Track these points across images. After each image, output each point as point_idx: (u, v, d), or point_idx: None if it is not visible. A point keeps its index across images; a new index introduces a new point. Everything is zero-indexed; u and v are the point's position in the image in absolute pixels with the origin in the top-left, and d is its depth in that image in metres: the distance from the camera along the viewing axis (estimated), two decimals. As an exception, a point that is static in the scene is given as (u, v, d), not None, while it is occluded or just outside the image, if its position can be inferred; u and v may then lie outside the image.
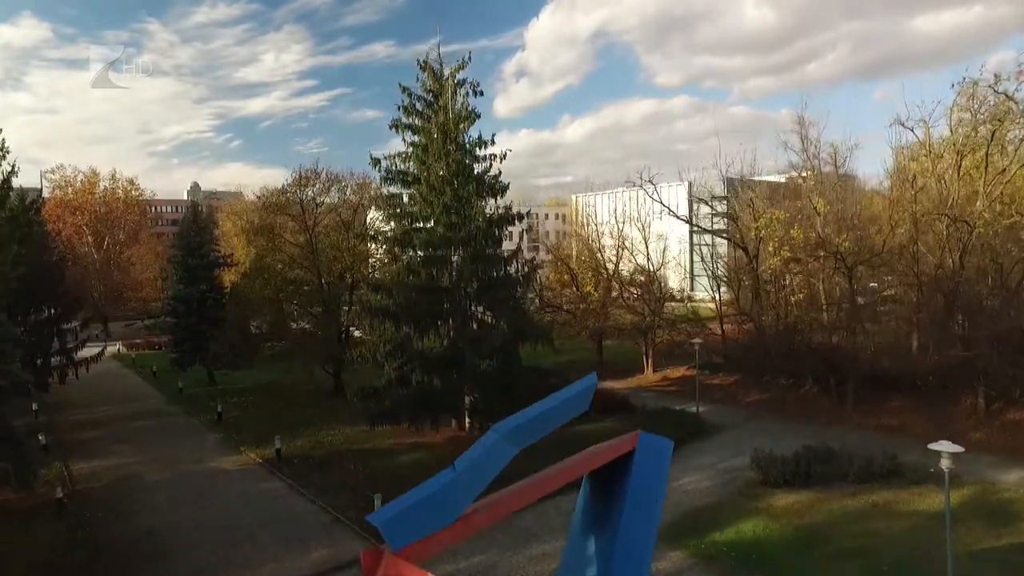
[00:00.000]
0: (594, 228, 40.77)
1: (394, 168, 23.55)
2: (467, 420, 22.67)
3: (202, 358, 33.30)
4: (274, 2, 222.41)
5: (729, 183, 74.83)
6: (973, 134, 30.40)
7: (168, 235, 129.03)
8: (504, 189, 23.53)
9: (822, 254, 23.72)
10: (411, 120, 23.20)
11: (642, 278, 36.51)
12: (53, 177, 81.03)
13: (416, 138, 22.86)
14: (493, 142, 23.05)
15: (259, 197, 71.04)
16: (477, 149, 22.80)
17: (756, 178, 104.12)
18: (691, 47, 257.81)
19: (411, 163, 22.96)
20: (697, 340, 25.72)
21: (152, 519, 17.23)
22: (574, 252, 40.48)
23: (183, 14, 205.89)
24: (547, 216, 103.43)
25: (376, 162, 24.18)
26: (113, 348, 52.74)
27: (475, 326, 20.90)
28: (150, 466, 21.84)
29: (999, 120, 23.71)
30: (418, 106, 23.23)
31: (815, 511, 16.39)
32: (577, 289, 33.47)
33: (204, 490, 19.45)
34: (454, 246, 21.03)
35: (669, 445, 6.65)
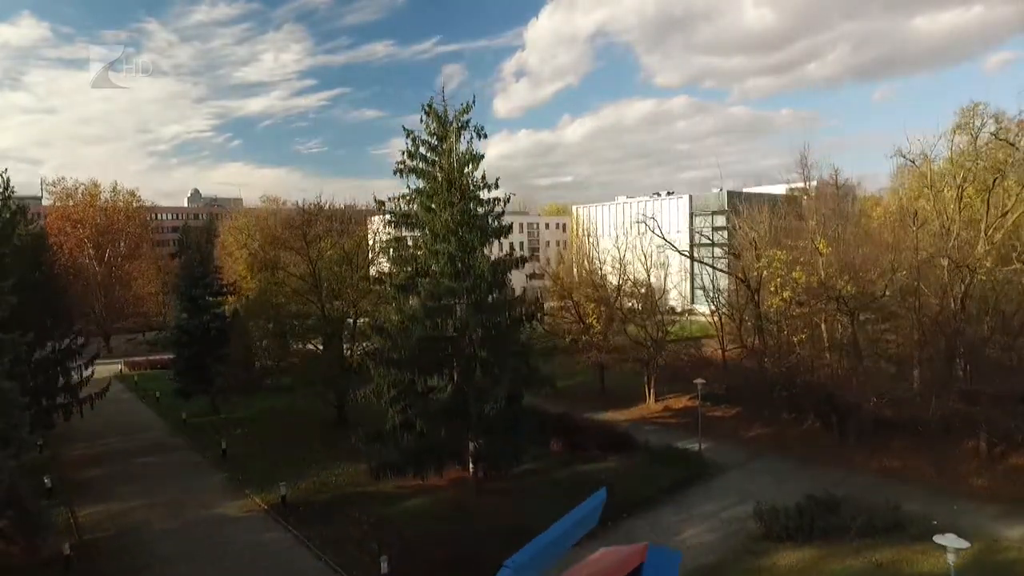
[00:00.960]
0: (596, 257, 40.69)
1: (398, 211, 23.69)
2: (471, 464, 22.77)
3: (205, 389, 33.41)
4: (273, 1, 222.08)
5: (729, 198, 74.91)
6: (974, 166, 30.61)
7: (170, 242, 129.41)
8: (507, 231, 23.67)
9: (824, 299, 23.86)
10: (415, 164, 23.34)
11: (642, 306, 36.53)
12: (54, 190, 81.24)
13: (420, 183, 22.95)
14: (497, 185, 23.17)
15: (262, 219, 71.32)
16: (481, 192, 22.93)
17: (756, 190, 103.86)
18: (691, 47, 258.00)
19: (415, 205, 23.07)
20: (700, 381, 25.79)
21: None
22: (576, 277, 40.38)
23: (182, 13, 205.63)
24: (547, 226, 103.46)
25: (380, 204, 24.36)
26: (115, 367, 52.69)
27: (479, 371, 20.96)
28: (157, 511, 21.92)
29: (999, 170, 23.82)
30: (422, 150, 23.41)
31: (818, 572, 16.50)
32: (581, 322, 33.49)
33: (211, 540, 19.55)
34: (458, 295, 21.14)
35: (677, 557, 6.84)
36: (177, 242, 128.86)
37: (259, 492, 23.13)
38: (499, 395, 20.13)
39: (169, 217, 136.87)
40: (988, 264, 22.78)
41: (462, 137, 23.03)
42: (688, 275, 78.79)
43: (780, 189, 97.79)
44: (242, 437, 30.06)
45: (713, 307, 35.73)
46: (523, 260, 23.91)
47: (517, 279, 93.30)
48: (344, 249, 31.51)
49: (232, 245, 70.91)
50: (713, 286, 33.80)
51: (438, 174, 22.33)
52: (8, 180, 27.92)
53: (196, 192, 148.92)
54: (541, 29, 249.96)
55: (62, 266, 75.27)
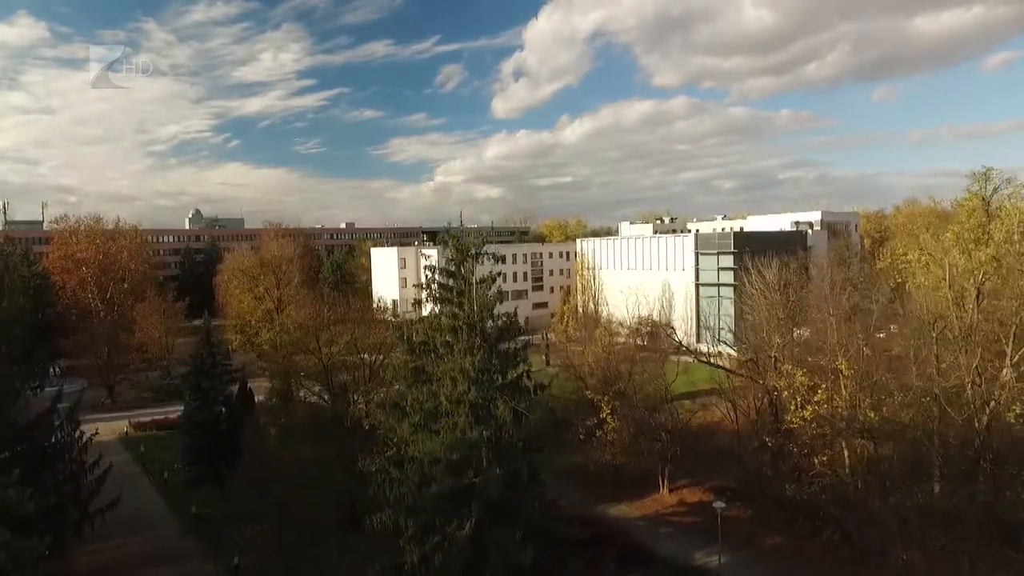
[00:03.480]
0: (606, 332, 40.33)
1: (416, 339, 23.42)
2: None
3: (215, 480, 33.06)
4: (272, 0, 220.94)
5: (735, 240, 74.62)
6: (989, 265, 30.39)
7: (172, 264, 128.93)
8: (524, 358, 23.41)
9: (846, 427, 23.58)
10: (435, 292, 23.21)
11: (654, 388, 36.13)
12: (57, 227, 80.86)
13: (444, 316, 22.65)
14: (517, 319, 22.97)
15: (266, 261, 70.79)
16: (497, 315, 22.68)
17: (762, 223, 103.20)
18: (689, 47, 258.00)
19: (437, 335, 22.76)
20: (719, 504, 25.46)
21: None
22: (587, 358, 39.98)
23: (180, 13, 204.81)
24: (550, 255, 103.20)
25: (399, 331, 24.13)
26: (119, 424, 52.19)
27: (502, 522, 20.61)
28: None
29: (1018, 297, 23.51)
30: (439, 278, 23.28)
31: None
32: (596, 416, 33.08)
33: None
34: (476, 446, 20.77)
35: None
36: (178, 264, 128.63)
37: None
38: (522, 549, 19.78)
39: (170, 239, 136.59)
40: (1012, 393, 22.48)
41: (478, 267, 22.94)
42: (694, 312, 78.68)
43: (786, 223, 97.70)
44: (254, 539, 29.65)
45: (727, 389, 35.16)
46: (541, 387, 23.55)
47: (522, 309, 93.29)
48: (357, 345, 30.98)
49: (236, 289, 70.57)
50: (729, 385, 33.06)
51: (458, 310, 22.06)
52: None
53: (198, 213, 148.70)
54: (540, 29, 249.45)
55: (65, 306, 75.29)
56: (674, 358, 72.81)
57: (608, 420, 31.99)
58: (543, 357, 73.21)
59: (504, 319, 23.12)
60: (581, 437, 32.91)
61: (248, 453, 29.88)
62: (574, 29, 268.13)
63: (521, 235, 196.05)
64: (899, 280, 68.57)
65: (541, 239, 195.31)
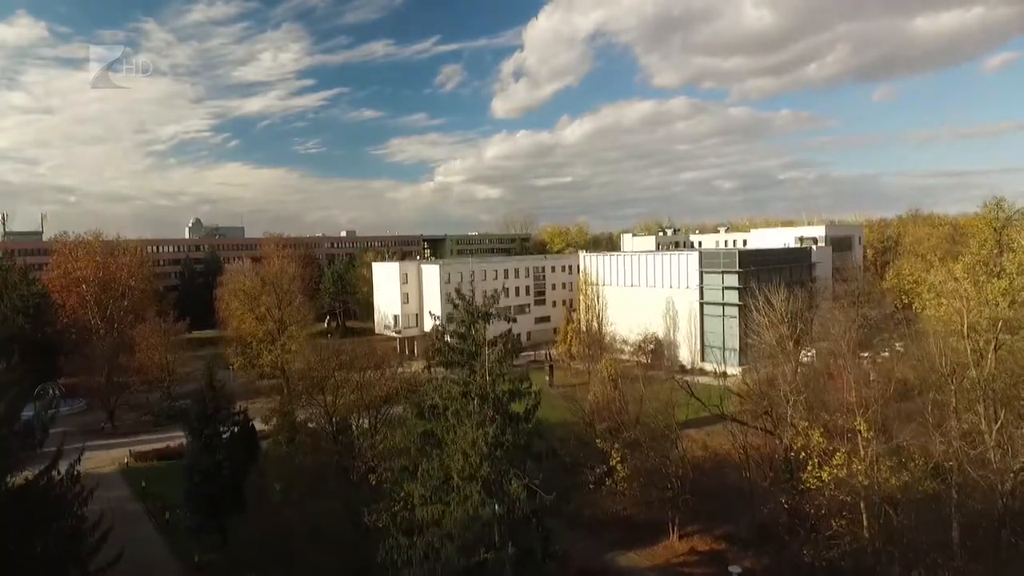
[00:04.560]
0: (610, 364, 39.77)
1: (425, 404, 22.83)
2: None
3: (219, 529, 32.51)
4: (272, 0, 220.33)
5: (740, 259, 73.99)
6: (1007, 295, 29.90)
7: (172, 274, 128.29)
8: (538, 433, 22.89)
9: (863, 492, 23.02)
10: (446, 356, 22.65)
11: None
12: (57, 244, 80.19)
13: (454, 382, 22.05)
14: (529, 383, 22.42)
15: (268, 279, 70.17)
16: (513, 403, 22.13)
17: (767, 239, 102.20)
18: (689, 47, 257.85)
19: (449, 403, 22.15)
20: (735, 568, 24.88)
21: None
22: (592, 394, 39.44)
23: (179, 12, 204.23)
24: (553, 269, 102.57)
25: (407, 399, 23.56)
26: (119, 452, 51.57)
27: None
28: None
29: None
30: (450, 339, 22.72)
31: None
32: (605, 463, 32.47)
33: None
34: (488, 523, 20.20)
35: None
36: (178, 274, 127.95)
37: None
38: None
39: (170, 249, 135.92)
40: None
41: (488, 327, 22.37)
42: (698, 330, 78.01)
43: (790, 238, 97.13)
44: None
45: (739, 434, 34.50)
46: (553, 453, 22.99)
47: (524, 323, 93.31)
48: (364, 397, 30.30)
49: (237, 309, 69.94)
50: (743, 439, 32.26)
51: (468, 377, 21.47)
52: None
53: (198, 222, 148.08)
54: (540, 29, 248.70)
55: (65, 324, 74.62)
56: (678, 378, 72.73)
57: (618, 468, 31.39)
58: (546, 377, 72.71)
59: (515, 372, 22.61)
60: (591, 487, 32.29)
61: (252, 504, 29.31)
62: (574, 29, 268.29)
63: (522, 242, 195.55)
64: (906, 300, 68.17)
65: (542, 245, 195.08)
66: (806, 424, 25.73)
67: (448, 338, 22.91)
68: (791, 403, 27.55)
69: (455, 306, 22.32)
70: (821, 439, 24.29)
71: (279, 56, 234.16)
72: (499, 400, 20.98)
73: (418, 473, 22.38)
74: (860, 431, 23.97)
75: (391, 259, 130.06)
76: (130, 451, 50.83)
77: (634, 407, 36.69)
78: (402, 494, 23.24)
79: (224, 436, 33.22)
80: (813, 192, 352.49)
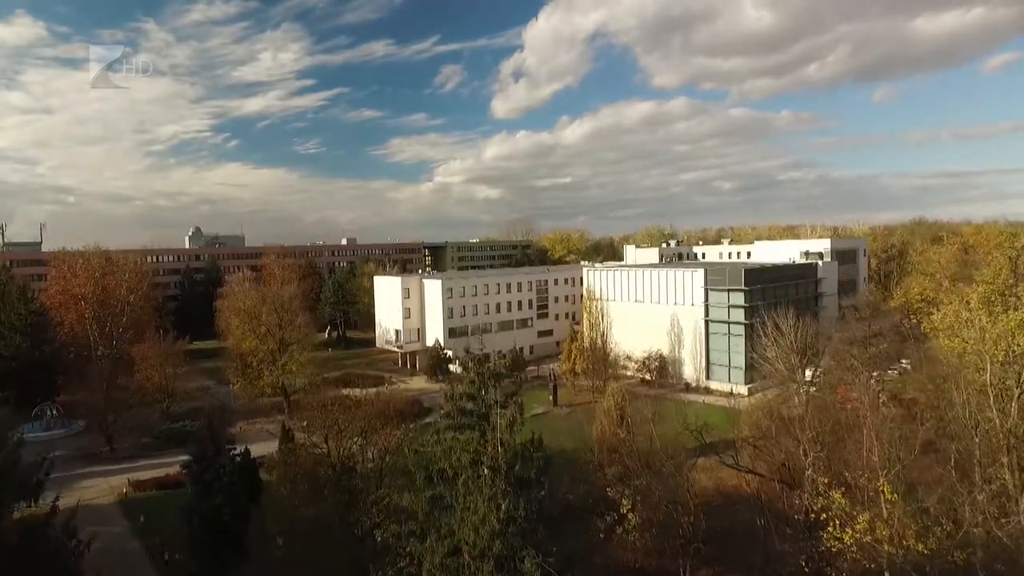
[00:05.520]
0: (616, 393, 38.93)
1: (433, 469, 22.03)
2: None
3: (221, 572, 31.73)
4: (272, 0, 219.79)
5: (746, 277, 73.13)
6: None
7: (171, 284, 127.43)
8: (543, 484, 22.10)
9: (887, 561, 22.22)
10: (456, 420, 21.87)
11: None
12: (55, 260, 79.37)
13: (464, 449, 21.23)
14: (541, 446, 21.63)
15: (268, 299, 69.19)
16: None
17: (774, 253, 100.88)
18: (689, 48, 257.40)
19: (459, 472, 21.34)
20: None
21: None
22: (596, 427, 38.63)
23: (179, 12, 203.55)
24: (555, 281, 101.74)
25: (415, 454, 22.80)
26: (118, 480, 50.64)
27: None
28: None
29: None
30: (460, 403, 21.95)
31: None
32: (615, 510, 31.57)
33: None
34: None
35: None
36: (178, 284, 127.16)
37: None
38: None
39: (170, 259, 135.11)
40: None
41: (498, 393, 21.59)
42: (704, 347, 77.04)
43: (795, 251, 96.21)
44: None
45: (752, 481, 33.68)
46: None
47: (527, 337, 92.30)
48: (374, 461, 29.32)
49: (237, 328, 69.08)
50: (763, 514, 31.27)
51: (480, 445, 20.67)
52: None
53: (198, 231, 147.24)
54: (540, 30, 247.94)
55: (63, 342, 73.80)
56: (683, 397, 71.81)
57: (629, 517, 30.53)
58: (549, 396, 71.83)
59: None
60: (601, 536, 31.43)
61: (255, 554, 28.50)
62: (574, 30, 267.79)
63: (523, 249, 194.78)
64: (914, 320, 67.24)
65: (543, 252, 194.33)
66: (826, 482, 24.90)
67: (458, 400, 22.07)
68: (810, 460, 26.71)
69: (465, 368, 21.50)
70: (843, 500, 23.46)
71: (279, 56, 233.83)
72: (511, 471, 20.16)
73: (427, 541, 21.59)
74: (884, 492, 23.14)
75: (391, 268, 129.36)
76: (129, 480, 49.85)
77: (642, 442, 35.87)
78: (408, 549, 22.52)
79: (224, 478, 32.40)
80: (813, 192, 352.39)
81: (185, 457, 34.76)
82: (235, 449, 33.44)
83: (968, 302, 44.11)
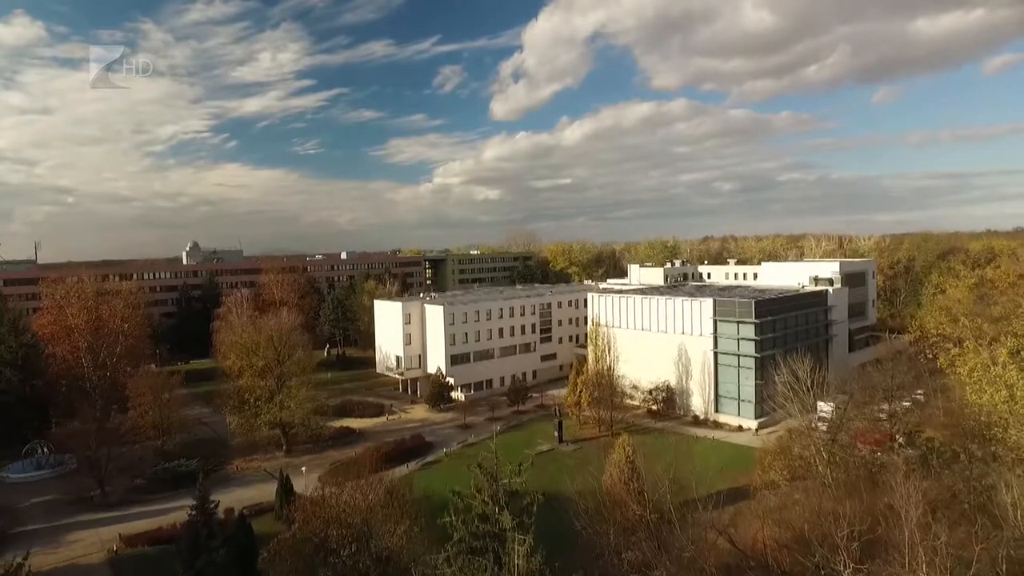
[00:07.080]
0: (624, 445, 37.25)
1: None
2: None
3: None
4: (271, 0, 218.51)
5: (756, 309, 71.15)
6: None
7: (168, 302, 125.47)
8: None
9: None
10: (468, 544, 20.05)
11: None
12: (49, 293, 77.43)
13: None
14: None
15: (266, 334, 67.14)
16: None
17: (784, 275, 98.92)
18: (689, 49, 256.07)
19: None
20: None
21: None
22: (607, 477, 36.99)
23: (177, 12, 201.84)
24: (559, 304, 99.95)
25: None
26: (109, 533, 48.51)
27: None
28: None
29: None
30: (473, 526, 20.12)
31: None
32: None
33: None
34: None
35: None
36: (175, 301, 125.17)
37: None
38: None
39: (166, 276, 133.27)
40: None
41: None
42: (712, 379, 75.04)
43: (803, 272, 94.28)
44: None
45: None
46: None
47: (530, 362, 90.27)
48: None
49: (234, 365, 67.17)
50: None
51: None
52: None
53: (195, 246, 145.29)
54: (540, 30, 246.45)
55: (55, 374, 71.82)
56: (692, 431, 69.95)
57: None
58: (555, 432, 69.77)
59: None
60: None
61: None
62: (574, 30, 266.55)
63: (524, 260, 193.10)
64: (930, 355, 65.41)
65: (544, 263, 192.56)
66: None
67: (471, 523, 20.26)
68: (844, 540, 24.85)
69: (479, 491, 19.69)
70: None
71: (278, 56, 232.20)
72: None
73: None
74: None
75: (392, 284, 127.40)
76: (120, 534, 47.76)
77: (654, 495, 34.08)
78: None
79: (219, 562, 30.59)
80: (813, 193, 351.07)
81: (181, 504, 32.72)
82: (228, 526, 31.54)
83: (995, 358, 42.44)
